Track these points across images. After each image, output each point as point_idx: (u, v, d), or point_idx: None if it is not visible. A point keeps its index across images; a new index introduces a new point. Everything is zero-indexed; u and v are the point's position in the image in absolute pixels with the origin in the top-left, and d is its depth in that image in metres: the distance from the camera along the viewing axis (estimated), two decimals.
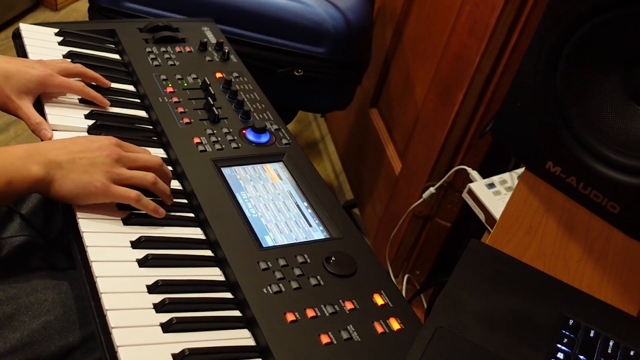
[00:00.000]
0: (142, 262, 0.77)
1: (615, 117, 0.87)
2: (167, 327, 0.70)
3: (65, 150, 0.79)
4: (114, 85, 1.04)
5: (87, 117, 0.96)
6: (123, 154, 0.82)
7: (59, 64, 0.97)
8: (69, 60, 1.03)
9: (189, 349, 0.68)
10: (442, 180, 1.43)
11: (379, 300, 0.78)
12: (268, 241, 0.83)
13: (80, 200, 0.79)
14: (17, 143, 1.96)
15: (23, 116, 0.90)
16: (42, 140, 0.89)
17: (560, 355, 0.69)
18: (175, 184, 0.91)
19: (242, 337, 0.73)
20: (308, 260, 0.81)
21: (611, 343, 0.71)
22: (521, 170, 1.03)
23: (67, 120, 0.94)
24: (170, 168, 0.93)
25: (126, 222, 0.81)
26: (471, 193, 1.16)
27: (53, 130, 0.91)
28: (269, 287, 0.76)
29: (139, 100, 1.04)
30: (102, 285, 0.72)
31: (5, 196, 0.74)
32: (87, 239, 0.77)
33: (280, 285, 0.77)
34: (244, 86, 1.10)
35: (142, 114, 1.02)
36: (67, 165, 0.77)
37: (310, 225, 0.88)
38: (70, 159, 0.78)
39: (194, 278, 0.78)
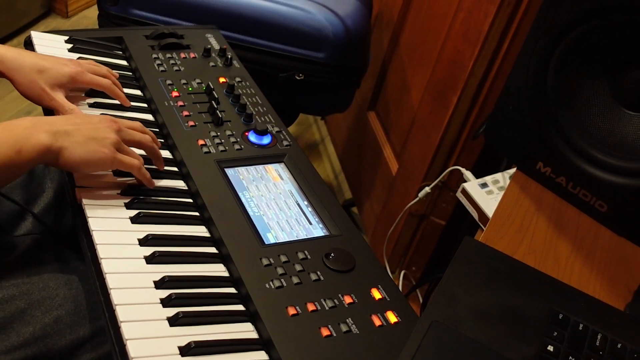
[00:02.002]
0: (150, 259, 0.77)
1: (603, 119, 0.87)
2: (173, 321, 0.70)
3: (69, 121, 0.80)
4: None
5: None
6: (121, 127, 0.84)
7: (87, 64, 0.99)
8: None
9: (195, 342, 0.68)
10: (437, 180, 1.43)
11: (376, 294, 0.79)
12: (270, 238, 0.84)
13: (89, 168, 0.80)
14: None
15: (57, 106, 0.92)
16: None
17: (550, 347, 0.69)
18: (180, 184, 0.91)
19: (245, 331, 0.73)
20: (308, 256, 0.81)
21: (599, 336, 0.71)
22: (513, 170, 1.03)
23: None
24: (175, 169, 0.93)
25: (134, 220, 0.81)
26: (465, 192, 1.16)
27: None
28: (271, 283, 0.77)
29: (145, 105, 1.05)
30: (111, 281, 0.73)
31: (15, 165, 0.74)
32: (97, 237, 0.77)
33: (282, 280, 0.77)
34: (247, 90, 1.10)
35: (149, 117, 1.02)
36: (74, 133, 0.78)
37: (310, 223, 0.88)
38: (76, 128, 0.79)
39: (199, 274, 0.78)
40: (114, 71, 1.04)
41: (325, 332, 0.72)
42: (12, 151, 0.73)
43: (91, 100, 0.99)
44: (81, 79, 0.95)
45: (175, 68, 1.11)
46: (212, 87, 1.07)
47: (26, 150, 0.74)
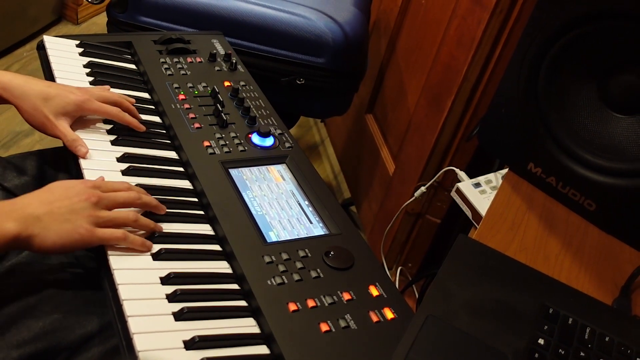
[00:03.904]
0: (156, 256, 0.77)
1: (592, 122, 0.87)
2: (178, 316, 0.70)
3: (41, 202, 0.72)
4: (130, 92, 1.04)
5: (109, 132, 0.94)
6: (102, 195, 0.76)
7: (97, 92, 0.95)
8: (108, 87, 1.00)
9: (199, 336, 0.68)
10: (432, 180, 1.43)
11: (374, 291, 0.78)
12: (272, 237, 0.83)
13: (67, 249, 0.73)
14: (41, 146, 1.95)
15: (60, 134, 0.88)
16: (78, 156, 0.88)
17: (540, 341, 0.69)
18: (186, 184, 0.91)
19: (247, 325, 0.73)
20: (309, 254, 0.81)
21: (588, 330, 0.71)
22: (505, 171, 1.03)
23: (89, 134, 0.92)
24: (181, 169, 0.93)
25: None
26: (459, 192, 1.15)
27: None
28: (272, 279, 0.76)
29: (153, 107, 1.04)
30: (118, 277, 0.72)
31: None
32: None
33: (283, 277, 0.77)
34: (250, 94, 1.10)
35: (157, 119, 1.02)
36: (45, 217, 0.71)
37: (310, 222, 0.88)
38: (48, 210, 0.72)
39: (203, 271, 0.78)
40: (129, 98, 0.99)
41: (324, 327, 0.72)
42: None
43: (108, 127, 0.95)
44: (88, 107, 0.91)
45: (182, 72, 1.11)
46: (217, 90, 1.07)
47: None
